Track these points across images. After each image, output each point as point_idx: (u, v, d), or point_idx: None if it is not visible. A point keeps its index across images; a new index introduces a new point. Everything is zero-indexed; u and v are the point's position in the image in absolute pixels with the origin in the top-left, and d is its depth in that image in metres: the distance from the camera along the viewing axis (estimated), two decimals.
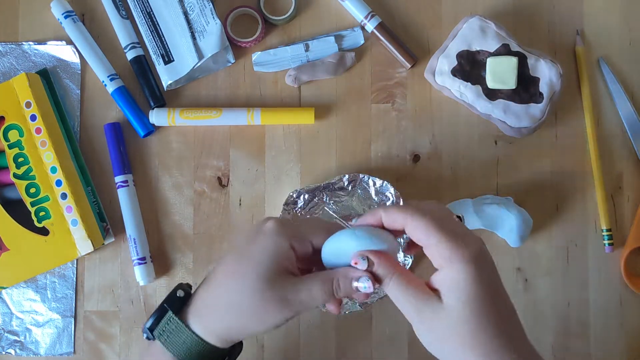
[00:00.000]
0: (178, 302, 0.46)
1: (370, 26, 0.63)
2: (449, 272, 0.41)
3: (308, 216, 0.61)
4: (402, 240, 0.60)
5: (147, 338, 0.46)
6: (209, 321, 0.45)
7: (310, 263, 0.47)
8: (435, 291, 0.42)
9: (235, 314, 0.43)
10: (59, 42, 0.65)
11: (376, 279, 0.43)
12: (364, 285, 0.42)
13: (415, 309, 0.41)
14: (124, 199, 0.62)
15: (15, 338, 0.63)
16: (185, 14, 0.63)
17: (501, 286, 0.42)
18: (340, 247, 0.44)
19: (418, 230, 0.42)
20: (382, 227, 0.44)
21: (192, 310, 0.46)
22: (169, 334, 0.45)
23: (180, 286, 0.48)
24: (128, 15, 0.65)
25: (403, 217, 0.42)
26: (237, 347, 0.48)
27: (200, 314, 0.45)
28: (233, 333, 0.45)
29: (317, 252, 0.46)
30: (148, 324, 0.46)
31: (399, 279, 0.42)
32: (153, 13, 0.64)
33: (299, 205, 0.61)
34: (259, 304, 0.43)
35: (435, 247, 0.41)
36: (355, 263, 0.42)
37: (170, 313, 0.45)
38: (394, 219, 0.43)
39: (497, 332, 0.40)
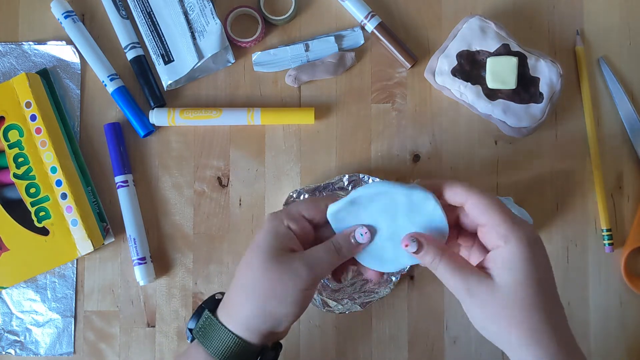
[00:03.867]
0: (214, 303, 0.49)
1: (370, 26, 0.63)
2: (505, 251, 0.42)
3: None
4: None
5: (191, 340, 0.49)
6: (236, 314, 0.46)
7: (318, 241, 0.48)
8: (483, 270, 0.43)
9: (255, 299, 0.45)
10: (59, 42, 0.65)
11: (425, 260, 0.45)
12: (361, 234, 0.46)
13: (465, 287, 0.43)
14: (124, 199, 0.62)
15: (15, 338, 0.63)
16: (185, 14, 0.63)
17: (551, 272, 0.44)
18: (346, 215, 0.47)
19: (479, 207, 0.44)
20: (439, 196, 0.46)
21: (222, 308, 0.47)
22: (205, 332, 0.47)
23: (220, 292, 0.50)
24: (128, 15, 0.65)
25: (466, 194, 0.44)
26: (272, 348, 0.49)
27: (228, 309, 0.47)
28: (260, 321, 0.46)
29: (318, 228, 0.48)
30: (189, 325, 0.48)
31: (448, 260, 0.44)
32: (153, 13, 0.64)
33: None
34: (272, 282, 0.44)
35: (493, 227, 0.43)
36: (406, 245, 0.45)
37: (206, 312, 0.47)
38: (456, 193, 0.45)
39: (546, 315, 0.42)
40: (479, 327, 0.44)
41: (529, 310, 0.41)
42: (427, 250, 0.44)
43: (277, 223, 0.46)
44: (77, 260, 0.63)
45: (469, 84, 0.60)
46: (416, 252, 0.44)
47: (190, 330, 0.48)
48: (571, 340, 0.43)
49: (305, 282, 0.45)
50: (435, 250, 0.44)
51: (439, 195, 0.46)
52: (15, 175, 0.60)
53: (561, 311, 0.44)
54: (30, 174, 0.60)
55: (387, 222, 0.47)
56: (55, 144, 0.61)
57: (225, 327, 0.46)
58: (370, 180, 0.61)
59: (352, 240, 0.46)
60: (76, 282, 0.63)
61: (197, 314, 0.48)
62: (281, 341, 0.50)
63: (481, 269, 0.43)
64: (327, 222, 0.48)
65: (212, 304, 0.49)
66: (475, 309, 0.43)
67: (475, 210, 0.44)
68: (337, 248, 0.46)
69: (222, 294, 0.50)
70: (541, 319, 0.41)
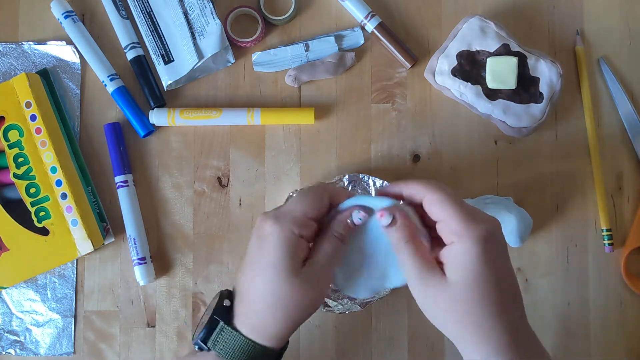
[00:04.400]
0: (227, 312, 0.48)
1: (370, 26, 0.63)
2: (457, 248, 0.42)
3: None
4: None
5: (200, 349, 0.48)
6: (261, 327, 0.46)
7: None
8: (440, 264, 0.44)
9: (285, 313, 0.46)
10: (59, 42, 0.65)
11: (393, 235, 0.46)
12: (358, 217, 0.46)
13: (418, 278, 0.43)
14: (124, 199, 0.62)
15: (15, 338, 0.63)
16: (185, 14, 0.63)
17: (508, 269, 0.44)
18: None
19: (435, 203, 0.44)
20: (402, 199, 0.47)
21: (239, 320, 0.47)
22: (225, 343, 0.46)
23: (222, 295, 0.49)
24: (128, 15, 0.65)
25: (423, 189, 0.45)
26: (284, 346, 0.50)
27: (249, 323, 0.47)
28: (288, 332, 0.47)
29: (321, 222, 0.48)
30: (201, 337, 0.47)
31: (411, 245, 0.44)
32: (153, 13, 0.64)
33: None
34: (298, 296, 0.45)
35: (448, 222, 0.43)
36: (381, 215, 0.45)
37: (222, 323, 0.47)
38: (414, 191, 0.46)
39: (495, 314, 0.42)
40: (429, 317, 0.45)
41: (476, 309, 0.42)
42: (399, 227, 0.45)
43: (288, 234, 0.45)
44: (77, 260, 0.63)
45: (469, 84, 0.60)
46: (388, 226, 0.45)
47: (204, 340, 0.47)
48: (527, 337, 0.44)
49: (326, 285, 0.46)
50: (405, 232, 0.45)
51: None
52: (15, 175, 0.60)
53: (517, 309, 0.44)
54: (30, 174, 0.60)
55: (367, 241, 0.48)
56: (55, 144, 0.61)
57: (250, 340, 0.46)
58: (370, 181, 0.61)
59: (349, 222, 0.47)
60: (76, 282, 0.63)
61: (210, 324, 0.47)
62: None
63: (438, 262, 0.44)
64: (328, 212, 0.48)
65: (226, 312, 0.48)
66: (425, 299, 0.44)
67: (431, 206, 0.44)
68: (340, 237, 0.47)
69: (228, 298, 0.49)
70: (489, 318, 0.42)
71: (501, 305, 0.42)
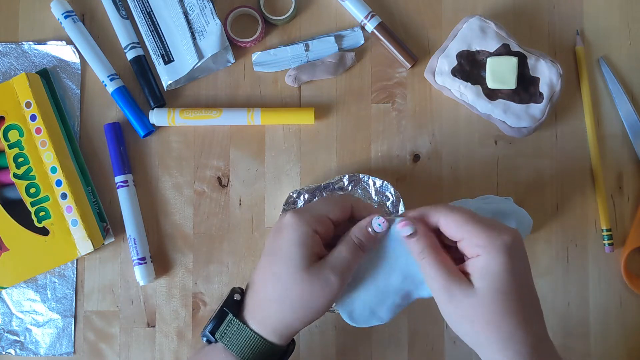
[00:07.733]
0: (236, 305, 0.49)
1: (370, 26, 0.63)
2: (484, 259, 0.43)
3: None
4: None
5: (208, 341, 0.49)
6: (266, 320, 0.47)
7: (335, 240, 0.49)
8: (466, 275, 0.44)
9: (288, 310, 0.46)
10: (59, 42, 0.65)
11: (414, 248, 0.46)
12: (378, 224, 0.47)
13: (445, 287, 0.44)
14: (124, 199, 0.62)
15: (15, 338, 0.63)
16: (185, 14, 0.63)
17: (531, 277, 0.45)
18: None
19: (452, 224, 0.45)
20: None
21: (248, 313, 0.48)
22: (231, 336, 0.47)
23: (234, 290, 0.50)
24: (128, 15, 0.65)
25: (436, 214, 0.46)
26: (291, 344, 0.50)
27: (256, 315, 0.48)
28: (290, 326, 0.47)
29: (338, 227, 0.48)
30: (209, 328, 0.48)
31: (434, 256, 0.45)
32: (153, 13, 0.64)
33: (299, 206, 0.61)
34: (305, 293, 0.45)
35: (470, 238, 0.44)
36: (403, 225, 0.46)
37: (230, 316, 0.48)
38: (427, 217, 0.46)
39: (519, 322, 0.43)
40: (453, 327, 0.45)
41: (504, 318, 0.42)
42: (419, 239, 0.45)
43: (306, 229, 0.46)
44: (77, 260, 0.63)
45: (469, 84, 0.60)
46: (409, 237, 0.46)
47: (212, 333, 0.48)
48: (547, 345, 0.44)
49: (336, 289, 0.46)
50: (427, 242, 0.45)
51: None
52: (15, 175, 0.60)
53: (537, 316, 0.45)
54: (30, 174, 0.60)
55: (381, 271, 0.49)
56: (55, 144, 0.61)
57: (256, 333, 0.47)
58: (370, 181, 0.61)
59: (370, 230, 0.47)
60: (76, 282, 0.63)
61: (219, 316, 0.48)
62: None
63: (462, 272, 0.44)
64: (347, 220, 0.49)
65: (234, 306, 0.49)
66: (451, 310, 0.44)
67: (449, 228, 0.45)
68: (360, 244, 0.47)
69: (239, 293, 0.50)
70: (516, 326, 0.43)
71: (525, 314, 0.43)
